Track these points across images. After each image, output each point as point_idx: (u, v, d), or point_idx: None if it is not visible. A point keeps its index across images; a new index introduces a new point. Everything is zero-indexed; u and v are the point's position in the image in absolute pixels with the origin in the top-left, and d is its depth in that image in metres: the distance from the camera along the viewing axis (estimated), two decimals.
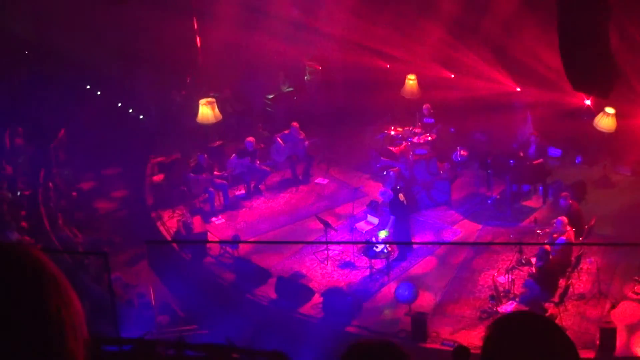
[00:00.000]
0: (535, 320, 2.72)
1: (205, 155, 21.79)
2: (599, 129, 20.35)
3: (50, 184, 21.53)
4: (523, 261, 17.36)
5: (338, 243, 19.22)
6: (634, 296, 16.79)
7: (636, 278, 17.13)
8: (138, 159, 24.07)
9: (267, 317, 16.98)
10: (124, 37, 24.70)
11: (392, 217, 18.74)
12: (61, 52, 23.95)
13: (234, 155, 22.08)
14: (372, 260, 18.21)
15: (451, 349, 14.02)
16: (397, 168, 21.03)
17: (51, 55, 24.20)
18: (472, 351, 11.47)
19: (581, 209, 18.74)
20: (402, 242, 18.94)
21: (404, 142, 22.46)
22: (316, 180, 22.95)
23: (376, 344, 2.85)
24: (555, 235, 17.15)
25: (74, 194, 21.99)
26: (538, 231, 18.24)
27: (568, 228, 17.05)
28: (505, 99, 23.27)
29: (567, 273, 16.77)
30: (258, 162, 22.12)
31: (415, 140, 22.29)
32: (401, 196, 18.75)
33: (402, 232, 18.87)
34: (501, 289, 16.87)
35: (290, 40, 25.82)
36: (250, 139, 22.20)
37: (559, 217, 17.35)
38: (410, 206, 19.43)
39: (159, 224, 20.93)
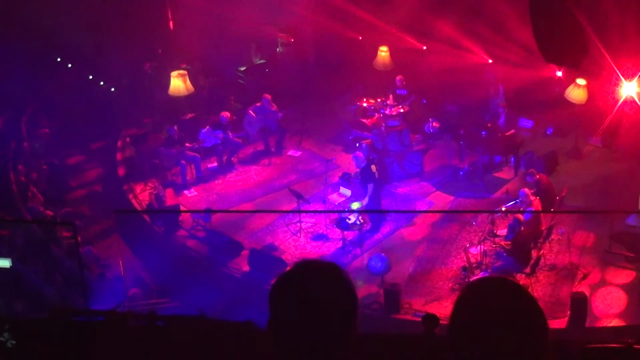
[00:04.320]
0: (503, 285, 2.75)
1: (176, 127, 21.69)
2: (570, 100, 20.43)
3: (21, 158, 21.38)
4: (495, 232, 17.44)
5: (310, 212, 19.21)
6: (605, 266, 16.94)
7: (607, 249, 17.27)
8: (109, 131, 23.92)
9: (240, 289, 16.98)
10: (94, 8, 24.42)
11: (370, 185, 18.74)
12: (30, 25, 23.67)
13: (207, 126, 21.98)
14: (345, 232, 18.23)
15: None
16: (369, 140, 21.02)
17: (20, 28, 23.91)
18: (442, 321, 11.52)
19: (551, 181, 18.82)
20: (374, 211, 18.97)
21: (376, 113, 22.46)
22: (289, 153, 22.93)
23: (321, 263, 2.91)
24: (521, 209, 17.24)
25: (45, 167, 21.82)
26: (503, 208, 18.26)
27: (532, 198, 17.16)
28: (477, 70, 23.29)
29: (539, 244, 16.89)
30: (231, 134, 22.06)
31: (387, 112, 22.30)
32: (373, 167, 18.76)
33: (373, 203, 18.88)
34: (473, 260, 16.95)
35: (263, 11, 25.68)
36: (225, 113, 22.12)
37: (522, 189, 17.45)
38: (381, 178, 19.44)
39: (130, 196, 20.83)
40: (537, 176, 18.38)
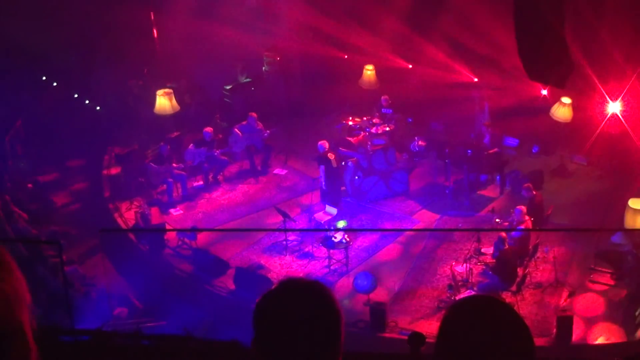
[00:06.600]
0: (489, 303, 2.74)
1: (168, 146, 21.63)
2: (555, 118, 20.52)
3: (6, 176, 21.27)
4: (482, 251, 17.46)
5: (296, 231, 19.20)
6: (591, 285, 16.98)
7: (592, 267, 17.31)
8: (95, 150, 23.83)
9: (226, 308, 16.92)
10: (79, 27, 24.36)
11: (321, 167, 19.69)
12: (15, 43, 23.59)
13: (191, 145, 21.95)
14: (331, 251, 18.22)
15: None
16: (355, 158, 21.04)
17: (4, 47, 23.83)
18: (428, 340, 11.47)
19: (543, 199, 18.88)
20: (361, 229, 19.03)
21: (362, 132, 22.43)
22: (275, 171, 22.91)
23: (306, 281, 2.91)
24: (514, 225, 17.28)
25: (30, 185, 21.72)
26: (497, 220, 18.33)
27: (526, 217, 17.18)
28: (462, 89, 23.35)
29: (525, 262, 16.90)
30: (216, 151, 22.01)
31: (373, 130, 22.28)
32: (331, 155, 19.10)
33: (330, 190, 19.65)
34: (459, 278, 16.95)
35: (248, 30, 25.71)
36: (208, 129, 22.10)
37: (518, 207, 17.46)
38: (338, 170, 19.67)
39: (116, 215, 20.76)
40: (534, 192, 18.44)
